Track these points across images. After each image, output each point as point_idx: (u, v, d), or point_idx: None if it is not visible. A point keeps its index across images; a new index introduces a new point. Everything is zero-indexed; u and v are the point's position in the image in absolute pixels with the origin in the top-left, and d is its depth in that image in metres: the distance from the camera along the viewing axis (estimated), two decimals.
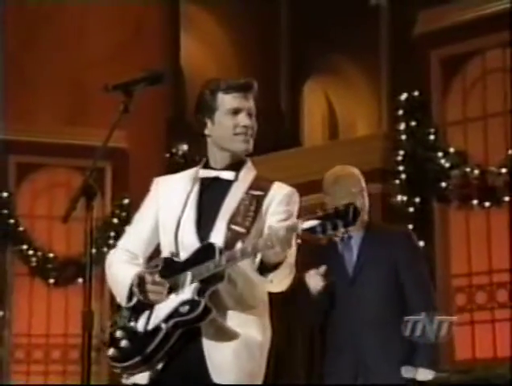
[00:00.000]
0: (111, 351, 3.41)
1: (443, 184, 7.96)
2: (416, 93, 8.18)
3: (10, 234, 9.40)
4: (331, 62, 10.84)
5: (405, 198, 8.08)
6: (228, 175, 3.45)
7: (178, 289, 3.32)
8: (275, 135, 9.45)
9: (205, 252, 3.32)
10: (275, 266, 3.18)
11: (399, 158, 8.15)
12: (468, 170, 7.86)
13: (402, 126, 8.20)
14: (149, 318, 3.37)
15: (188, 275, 3.31)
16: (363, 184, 4.81)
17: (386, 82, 9.69)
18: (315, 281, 4.59)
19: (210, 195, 3.46)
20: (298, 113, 11.19)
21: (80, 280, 8.96)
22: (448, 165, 7.95)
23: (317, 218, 3.07)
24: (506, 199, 7.67)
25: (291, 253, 3.27)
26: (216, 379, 3.29)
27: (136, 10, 10.17)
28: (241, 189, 3.43)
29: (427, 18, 8.26)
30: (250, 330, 3.35)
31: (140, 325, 3.38)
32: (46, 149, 9.43)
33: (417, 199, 8.05)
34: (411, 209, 8.01)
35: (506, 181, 7.64)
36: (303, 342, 8.43)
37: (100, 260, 10.46)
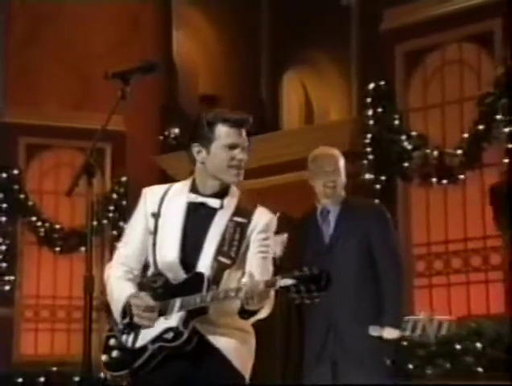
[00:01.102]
0: (104, 357, 3.35)
1: (406, 164, 7.94)
2: (382, 83, 8.15)
3: (20, 207, 9.36)
4: (307, 55, 10.84)
5: (372, 176, 8.08)
6: (214, 203, 3.32)
7: (166, 313, 3.22)
8: (257, 120, 9.36)
9: (195, 282, 3.22)
10: (255, 313, 3.14)
11: (367, 141, 8.14)
12: (428, 151, 7.83)
13: (370, 112, 8.17)
14: (137, 336, 3.28)
15: (177, 302, 3.21)
16: (339, 164, 4.78)
17: (356, 73, 9.66)
18: (274, 246, 4.58)
19: (196, 220, 3.32)
20: (277, 101, 11.19)
21: (83, 248, 8.91)
22: (410, 147, 7.92)
23: (294, 277, 2.98)
24: (461, 177, 7.67)
25: (267, 274, 3.21)
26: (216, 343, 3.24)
27: (133, 9, 10.16)
28: (225, 217, 3.30)
29: (391, 16, 8.23)
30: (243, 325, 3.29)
31: (130, 341, 3.29)
32: (52, 131, 9.40)
33: (383, 178, 8.03)
34: (378, 186, 8.00)
35: (462, 161, 7.62)
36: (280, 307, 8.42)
37: (100, 231, 10.46)
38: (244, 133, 3.31)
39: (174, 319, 3.21)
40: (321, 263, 4.56)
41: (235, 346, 3.27)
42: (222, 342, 3.25)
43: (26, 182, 9.45)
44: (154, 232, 3.36)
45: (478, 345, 6.96)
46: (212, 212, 3.32)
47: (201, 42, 11.35)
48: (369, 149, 8.15)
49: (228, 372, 3.25)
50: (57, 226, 9.38)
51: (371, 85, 8.19)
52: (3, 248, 9.26)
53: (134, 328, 3.30)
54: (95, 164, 3.36)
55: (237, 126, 3.29)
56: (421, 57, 8.03)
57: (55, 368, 8.78)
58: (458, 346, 7.04)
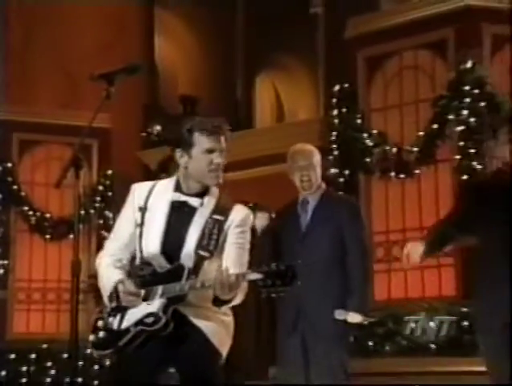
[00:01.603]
0: (91, 337, 3.41)
1: (368, 159, 7.95)
2: (346, 85, 8.15)
3: (14, 197, 9.32)
4: (278, 59, 10.86)
5: (337, 170, 8.07)
6: (195, 202, 3.40)
7: (149, 299, 3.30)
8: (232, 118, 9.41)
9: (176, 272, 3.30)
10: (228, 302, 3.24)
11: (333, 138, 8.12)
12: (387, 148, 7.85)
13: (335, 112, 8.16)
14: (123, 319, 3.35)
15: (159, 289, 3.28)
16: (314, 159, 4.81)
17: (323, 76, 9.68)
18: (260, 221, 4.62)
19: (178, 217, 3.40)
20: (251, 101, 11.20)
21: (71, 235, 8.89)
22: (371, 144, 7.93)
23: (262, 272, 3.05)
24: (417, 171, 7.69)
25: (241, 267, 3.30)
26: (195, 321, 3.32)
27: (118, 15, 10.12)
28: (205, 214, 3.38)
29: (354, 24, 8.22)
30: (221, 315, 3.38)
31: (116, 323, 3.36)
32: (43, 128, 9.34)
33: (346, 172, 8.03)
34: (342, 179, 7.99)
35: (417, 157, 7.64)
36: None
37: (87, 220, 10.41)
38: (221, 138, 3.38)
39: (155, 305, 3.29)
40: (297, 248, 4.64)
41: (214, 327, 3.35)
42: (203, 323, 3.33)
43: (19, 174, 9.40)
44: (141, 225, 3.43)
45: (431, 324, 7.01)
46: (193, 210, 3.39)
47: (181, 46, 11.34)
48: (334, 146, 8.14)
49: (207, 350, 3.32)
50: (47, 215, 9.34)
51: (336, 87, 8.18)
52: None
53: (120, 311, 3.36)
54: (82, 158, 3.45)
55: (213, 133, 3.35)
56: (381, 62, 8.03)
57: (45, 345, 8.78)
58: (413, 325, 7.09)
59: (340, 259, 4.68)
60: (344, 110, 8.11)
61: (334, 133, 8.13)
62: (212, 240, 3.33)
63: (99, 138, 9.06)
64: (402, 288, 7.70)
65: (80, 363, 8.19)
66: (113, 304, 3.36)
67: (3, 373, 8.67)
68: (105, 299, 3.42)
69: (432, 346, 7.00)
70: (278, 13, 10.49)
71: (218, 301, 3.23)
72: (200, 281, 3.23)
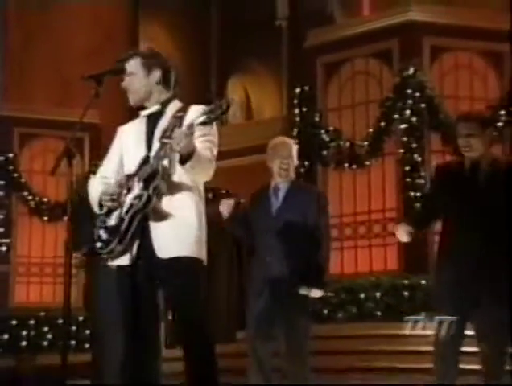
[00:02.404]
0: (98, 245, 3.41)
1: (324, 152, 7.98)
2: (306, 88, 8.17)
3: (15, 184, 9.28)
4: (248, 65, 10.84)
5: (298, 162, 8.07)
6: (158, 108, 3.46)
7: (131, 190, 3.33)
8: None
9: (144, 161, 3.34)
10: (190, 157, 3.17)
11: (294, 134, 8.10)
12: (341, 143, 7.89)
13: (297, 111, 8.18)
14: (115, 215, 3.36)
15: (136, 178, 3.33)
16: (292, 151, 4.79)
17: (286, 79, 9.71)
18: (223, 208, 4.59)
19: (151, 123, 3.46)
20: None
21: (66, 217, 8.87)
22: (327, 139, 7.97)
23: (204, 113, 3.10)
24: (367, 163, 7.74)
25: (207, 148, 3.27)
26: (160, 254, 3.28)
27: (107, 24, 10.04)
28: (169, 115, 3.42)
29: (314, 35, 8.24)
30: (185, 212, 3.32)
31: (112, 221, 3.37)
32: (40, 123, 9.31)
33: (306, 163, 8.04)
34: (302, 170, 7.98)
35: (367, 151, 7.69)
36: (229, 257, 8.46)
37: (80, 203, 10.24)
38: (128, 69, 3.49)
39: (136, 190, 3.32)
40: (268, 228, 4.64)
41: (180, 239, 3.31)
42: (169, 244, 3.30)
43: (20, 163, 9.35)
44: (128, 147, 3.48)
45: (377, 294, 7.07)
46: (160, 115, 3.45)
47: (162, 51, 11.17)
48: (295, 141, 8.17)
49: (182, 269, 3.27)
50: (45, 199, 9.31)
51: (298, 89, 8.20)
52: (1, 217, 9.19)
53: (110, 212, 3.38)
54: (74, 150, 3.45)
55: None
56: (336, 68, 8.07)
57: (42, 313, 8.76)
58: (362, 295, 7.15)
59: (305, 241, 4.63)
60: (304, 109, 8.14)
61: (295, 129, 8.14)
62: (174, 130, 3.29)
63: (90, 132, 9.02)
64: (352, 263, 7.75)
65: (73, 328, 8.23)
66: (103, 210, 3.38)
67: (6, 337, 8.66)
68: (96, 209, 3.43)
69: (378, 313, 7.06)
70: (248, 25, 10.50)
71: (183, 160, 3.20)
72: (163, 149, 3.25)
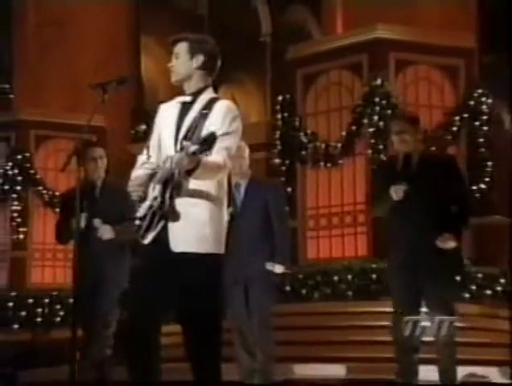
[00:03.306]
0: (137, 223, 3.13)
1: (303, 153, 7.96)
2: (287, 96, 8.13)
3: (31, 179, 9.19)
4: (236, 76, 10.82)
5: (280, 160, 8.09)
6: (190, 99, 3.22)
7: (153, 190, 3.11)
8: None
9: (166, 161, 3.11)
10: (194, 170, 2.97)
11: (277, 136, 8.12)
12: (318, 144, 7.87)
13: (279, 116, 8.14)
14: (143, 208, 3.13)
15: (157, 178, 3.11)
16: (246, 153, 4.82)
17: (269, 89, 9.70)
18: None
19: (182, 115, 3.22)
20: None
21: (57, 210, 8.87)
22: (306, 140, 7.94)
23: (197, 143, 2.91)
24: (340, 162, 7.72)
25: (220, 155, 3.03)
26: (174, 248, 3.07)
27: (113, 39, 9.98)
28: (197, 108, 3.18)
29: (294, 50, 8.20)
30: (198, 210, 3.10)
31: (141, 211, 3.12)
32: (53, 126, 9.23)
33: (287, 162, 8.03)
34: (283, 168, 8.02)
35: (340, 151, 7.68)
36: None
37: None
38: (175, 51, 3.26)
39: (156, 191, 3.09)
40: (236, 220, 4.64)
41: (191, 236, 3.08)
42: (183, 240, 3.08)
43: (35, 162, 9.26)
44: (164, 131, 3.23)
45: (349, 276, 7.06)
46: (190, 106, 3.22)
47: (160, 64, 11.22)
48: (277, 142, 8.14)
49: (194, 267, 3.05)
50: (57, 193, 9.23)
51: (280, 97, 8.16)
52: (19, 208, 9.11)
53: (140, 201, 3.15)
54: (82, 149, 3.43)
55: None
56: (314, 79, 8.03)
57: (55, 293, 8.69)
58: (335, 278, 7.14)
59: (268, 227, 4.73)
60: (285, 115, 8.10)
61: (278, 132, 8.12)
62: (197, 131, 3.08)
63: (97, 134, 8.92)
64: (327, 250, 7.76)
65: None
66: (134, 197, 3.15)
67: (23, 313, 8.58)
68: (130, 191, 3.18)
69: (349, 293, 7.06)
70: (236, 41, 10.48)
71: (188, 172, 2.99)
72: (175, 162, 2.99)
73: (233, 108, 3.17)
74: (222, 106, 3.15)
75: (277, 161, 8.07)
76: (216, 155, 3.02)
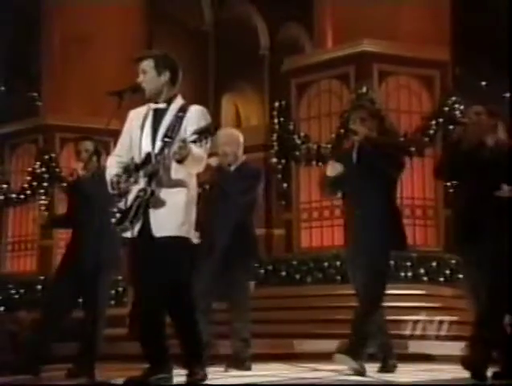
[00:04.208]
0: (114, 221, 3.20)
1: (297, 153, 7.89)
2: (283, 102, 8.06)
3: (57, 176, 9.11)
4: (238, 85, 10.79)
5: (276, 160, 8.02)
6: (164, 106, 3.29)
7: (138, 180, 3.17)
8: None
9: (148, 158, 3.18)
10: (185, 158, 3.04)
11: (274, 138, 8.05)
12: (310, 145, 7.81)
13: (276, 121, 8.07)
14: (126, 200, 3.18)
15: (141, 173, 3.17)
16: (237, 140, 4.63)
17: (268, 96, 9.66)
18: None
19: (157, 119, 3.28)
20: (219, 114, 11.13)
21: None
22: (299, 142, 7.88)
23: (196, 132, 3.00)
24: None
25: (198, 151, 3.08)
26: (156, 233, 3.12)
27: (129, 49, 9.79)
28: (172, 113, 3.24)
29: (289, 62, 8.13)
30: (177, 199, 3.15)
31: (122, 204, 3.18)
32: (76, 129, 9.04)
33: (283, 161, 7.96)
34: (280, 166, 7.94)
35: (331, 151, 7.58)
36: None
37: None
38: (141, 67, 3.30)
39: (141, 183, 3.15)
40: (221, 202, 4.45)
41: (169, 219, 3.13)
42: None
43: (60, 161, 9.19)
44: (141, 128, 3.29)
45: (338, 263, 7.01)
46: (165, 112, 3.28)
47: None
48: (275, 143, 8.07)
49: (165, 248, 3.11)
50: None
51: (276, 104, 8.09)
52: (46, 202, 9.05)
53: (121, 196, 3.19)
54: (102, 150, 3.42)
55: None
56: (306, 87, 7.96)
57: None
58: (326, 264, 7.10)
59: (250, 211, 4.54)
60: (281, 119, 8.04)
61: (275, 134, 8.07)
62: (175, 130, 3.15)
63: (114, 137, 8.80)
64: (319, 239, 7.70)
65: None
66: (115, 191, 3.19)
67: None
68: (110, 188, 3.23)
69: (338, 277, 6.99)
70: (238, 54, 10.43)
71: (177, 161, 3.07)
72: (164, 150, 3.10)
73: (206, 112, 3.26)
74: (197, 109, 3.24)
75: (274, 160, 8.02)
76: (198, 149, 3.09)
